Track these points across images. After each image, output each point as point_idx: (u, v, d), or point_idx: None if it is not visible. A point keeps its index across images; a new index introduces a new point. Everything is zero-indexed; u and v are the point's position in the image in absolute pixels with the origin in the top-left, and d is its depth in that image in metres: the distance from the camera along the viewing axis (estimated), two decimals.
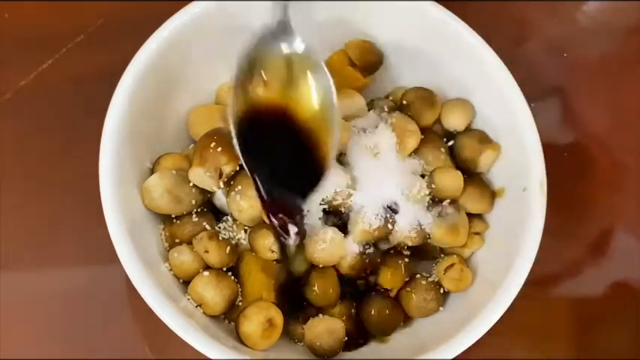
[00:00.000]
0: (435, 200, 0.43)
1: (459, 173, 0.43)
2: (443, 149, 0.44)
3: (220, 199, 0.42)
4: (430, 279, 0.43)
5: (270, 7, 0.38)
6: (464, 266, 0.43)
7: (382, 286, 0.43)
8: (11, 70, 0.51)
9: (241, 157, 0.37)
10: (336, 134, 0.38)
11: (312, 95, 0.39)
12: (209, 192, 0.42)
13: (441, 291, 0.43)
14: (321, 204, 0.41)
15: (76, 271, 0.47)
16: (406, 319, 0.43)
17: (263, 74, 0.38)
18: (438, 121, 0.46)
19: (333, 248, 0.40)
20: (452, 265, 0.42)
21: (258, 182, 0.37)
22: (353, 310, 0.43)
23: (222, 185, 0.40)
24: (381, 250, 0.43)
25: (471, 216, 0.44)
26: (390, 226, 0.41)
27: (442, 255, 0.44)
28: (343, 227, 0.42)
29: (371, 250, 0.42)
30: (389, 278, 0.42)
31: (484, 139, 0.44)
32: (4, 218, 0.47)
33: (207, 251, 0.40)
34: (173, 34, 0.41)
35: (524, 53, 0.57)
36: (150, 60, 0.41)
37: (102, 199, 0.38)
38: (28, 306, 0.46)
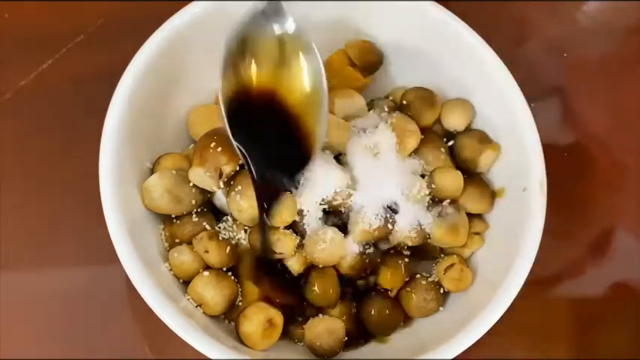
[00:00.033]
0: (435, 200, 0.43)
1: (459, 173, 0.43)
2: (443, 149, 0.44)
3: (220, 199, 0.42)
4: (430, 279, 0.43)
5: None
6: (464, 266, 0.42)
7: (382, 286, 0.43)
8: (11, 70, 0.51)
9: (231, 137, 0.37)
10: (324, 116, 0.38)
11: (304, 77, 0.39)
12: (209, 192, 0.42)
13: (441, 291, 0.43)
14: (321, 204, 0.41)
15: (76, 271, 0.47)
16: (406, 319, 0.43)
17: (254, 55, 0.38)
18: (438, 121, 0.46)
19: (333, 248, 0.40)
20: (452, 265, 0.42)
21: (249, 160, 0.37)
22: (353, 310, 0.43)
23: (222, 185, 0.40)
24: (381, 250, 0.43)
25: (471, 216, 0.44)
26: (390, 226, 0.41)
27: (442, 255, 0.44)
28: (343, 227, 0.42)
29: (371, 250, 0.42)
30: (389, 278, 0.42)
31: (484, 139, 0.44)
32: (4, 218, 0.47)
33: (207, 251, 0.40)
34: (173, 34, 0.41)
35: (524, 53, 0.57)
36: (150, 60, 0.41)
37: (102, 199, 0.38)
38: (28, 306, 0.46)
